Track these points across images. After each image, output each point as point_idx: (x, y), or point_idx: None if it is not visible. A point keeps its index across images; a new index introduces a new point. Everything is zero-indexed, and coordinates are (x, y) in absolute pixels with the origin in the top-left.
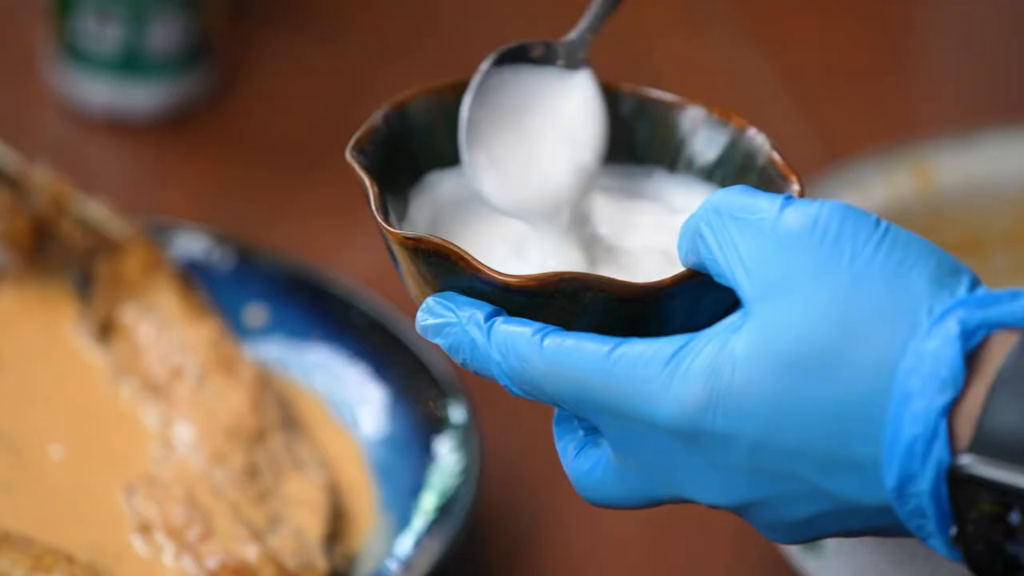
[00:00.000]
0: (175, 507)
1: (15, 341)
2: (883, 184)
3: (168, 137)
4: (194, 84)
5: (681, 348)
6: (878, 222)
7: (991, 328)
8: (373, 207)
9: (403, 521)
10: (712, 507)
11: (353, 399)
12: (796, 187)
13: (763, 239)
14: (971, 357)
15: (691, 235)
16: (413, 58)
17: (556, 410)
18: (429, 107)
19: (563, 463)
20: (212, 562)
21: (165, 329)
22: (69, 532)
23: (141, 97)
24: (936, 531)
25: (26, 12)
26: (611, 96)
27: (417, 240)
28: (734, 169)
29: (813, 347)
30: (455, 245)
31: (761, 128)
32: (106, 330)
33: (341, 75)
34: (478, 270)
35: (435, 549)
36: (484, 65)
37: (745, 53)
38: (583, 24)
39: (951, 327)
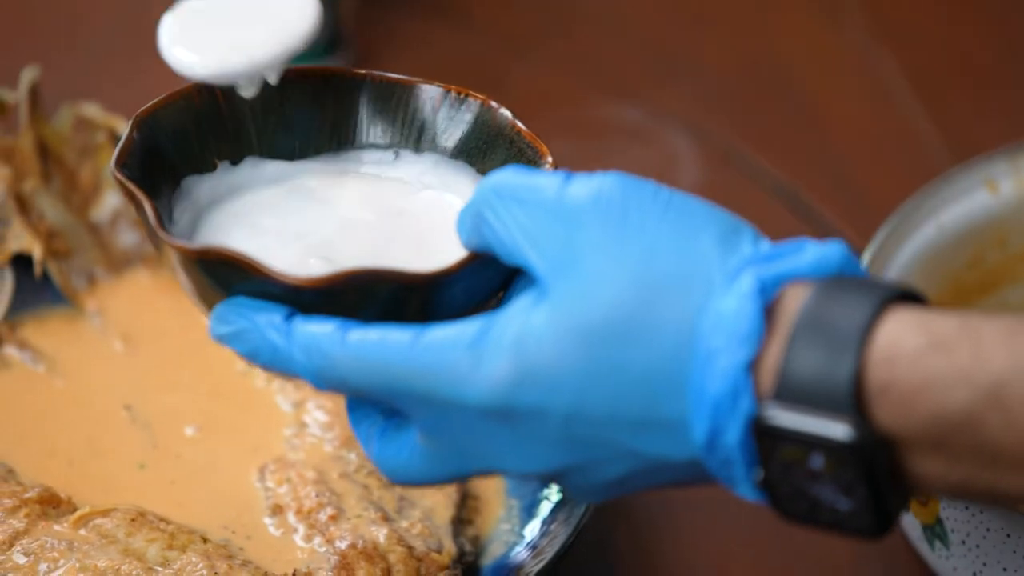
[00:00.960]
0: (307, 489)
1: (151, 323)
2: (1012, 184)
3: None
4: None
5: (483, 330)
6: (659, 189)
7: (783, 281)
8: (152, 222)
9: (530, 506)
10: (524, 476)
11: None
12: (549, 158)
13: (550, 216)
14: (768, 311)
15: (472, 219)
16: (541, 53)
17: (347, 396)
18: (178, 112)
19: (364, 449)
20: (342, 544)
21: None
22: (203, 512)
23: None
24: (744, 478)
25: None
26: (349, 83)
27: (204, 252)
28: (481, 144)
29: (613, 316)
30: (241, 253)
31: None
32: None
33: (471, 65)
34: (269, 275)
35: (562, 534)
36: None
37: (876, 50)
38: None
39: (745, 284)
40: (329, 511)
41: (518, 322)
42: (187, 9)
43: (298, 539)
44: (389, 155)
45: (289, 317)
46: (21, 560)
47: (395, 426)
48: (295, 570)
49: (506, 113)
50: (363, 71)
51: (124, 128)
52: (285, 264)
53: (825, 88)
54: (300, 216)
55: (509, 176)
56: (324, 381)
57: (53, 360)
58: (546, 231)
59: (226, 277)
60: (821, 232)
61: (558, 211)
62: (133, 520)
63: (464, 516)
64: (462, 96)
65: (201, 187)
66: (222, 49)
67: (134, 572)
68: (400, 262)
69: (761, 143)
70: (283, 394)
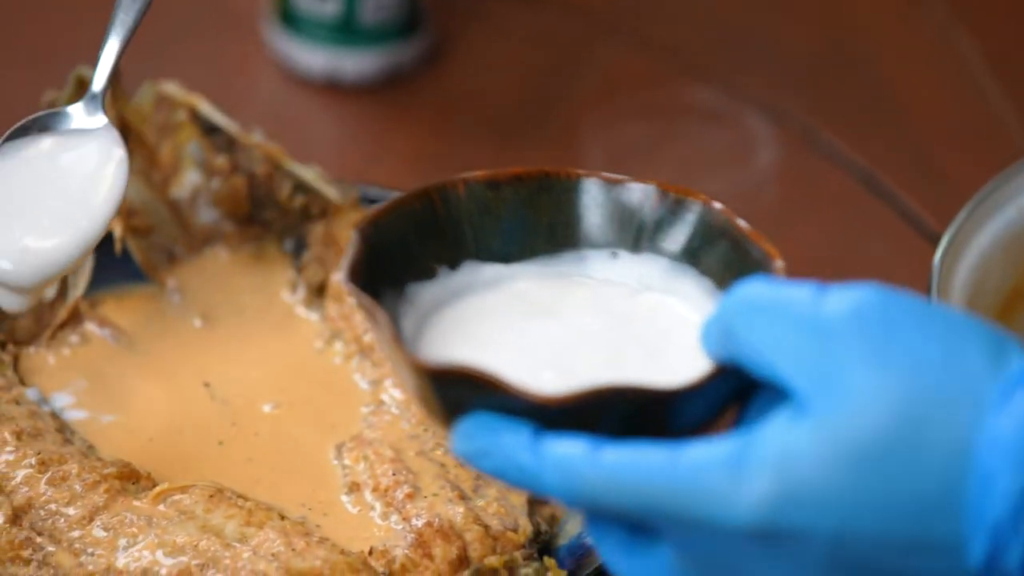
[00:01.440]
0: (384, 467)
1: (229, 301)
2: None
3: (381, 105)
4: (407, 52)
5: (741, 448)
6: (919, 302)
7: None
8: (390, 338)
9: None
10: None
11: None
12: (779, 262)
13: (807, 331)
14: None
15: (720, 332)
16: (620, 34)
17: (586, 512)
18: (397, 219)
19: (610, 564)
20: (419, 522)
21: None
22: (281, 489)
23: (355, 65)
24: None
25: None
26: (564, 184)
27: (446, 371)
28: (703, 244)
29: (882, 435)
30: (485, 371)
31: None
32: (319, 292)
33: (550, 46)
34: (514, 393)
35: None
36: None
37: (956, 32)
38: (98, 81)
39: (1021, 404)
40: (406, 489)
41: (779, 440)
42: None
43: (375, 517)
44: (606, 255)
45: (535, 436)
46: (101, 535)
47: (643, 543)
48: (371, 548)
49: (728, 213)
50: (579, 171)
51: (351, 240)
52: (516, 376)
53: (904, 70)
54: (525, 326)
55: (760, 289)
56: (576, 500)
57: (132, 337)
58: (804, 346)
59: (467, 393)
60: (899, 216)
61: (815, 325)
62: (211, 496)
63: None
64: (681, 195)
65: (423, 293)
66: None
67: (212, 548)
68: (634, 372)
69: (840, 125)
70: (361, 372)
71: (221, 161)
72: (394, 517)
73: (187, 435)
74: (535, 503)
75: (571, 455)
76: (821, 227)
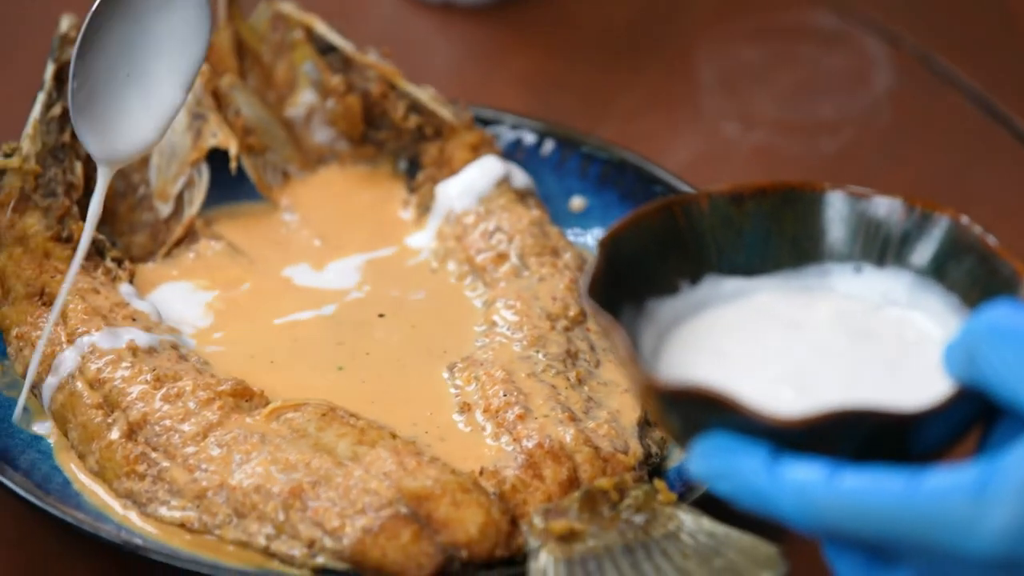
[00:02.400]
0: (495, 388)
1: (343, 220)
2: None
3: (494, 27)
4: None
5: (985, 477)
6: None
7: None
8: (627, 358)
9: None
10: None
11: None
12: None
13: None
14: None
15: (964, 354)
16: None
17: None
18: (639, 233)
19: None
20: (529, 443)
21: (490, 211)
22: (393, 409)
23: None
24: None
25: None
26: (808, 196)
27: (684, 392)
28: (949, 260)
29: None
30: (722, 393)
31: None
32: (432, 210)
33: None
34: (751, 415)
35: None
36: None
37: None
38: None
39: None
40: (517, 410)
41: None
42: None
43: (486, 438)
44: (850, 269)
45: (772, 459)
46: (215, 451)
47: (882, 566)
48: (482, 468)
49: (977, 229)
50: (824, 184)
51: (592, 255)
52: (755, 392)
53: None
54: (767, 341)
55: (1007, 313)
56: (814, 526)
57: (247, 255)
58: None
59: (704, 413)
60: (1015, 139)
61: None
62: (324, 415)
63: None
64: (928, 210)
65: (663, 309)
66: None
67: (324, 466)
68: (873, 392)
69: (957, 50)
70: (473, 291)
71: (336, 81)
72: (505, 438)
73: (306, 358)
74: (646, 425)
75: (809, 481)
76: (936, 151)
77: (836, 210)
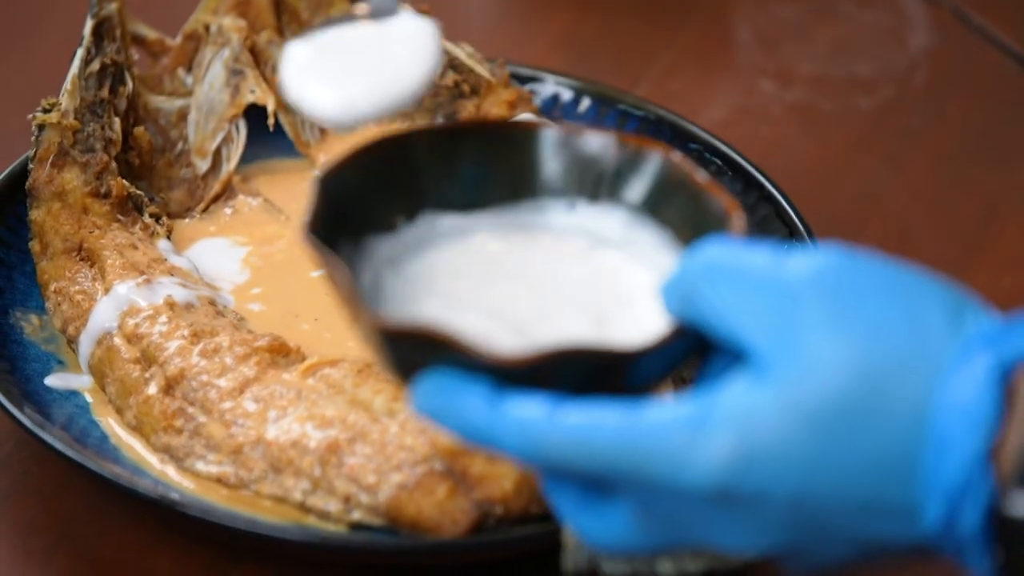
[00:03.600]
0: None
1: None
2: None
3: None
4: None
5: (701, 410)
6: (879, 265)
7: (1019, 361)
8: (349, 296)
9: None
10: (739, 554)
11: None
12: (738, 216)
13: (769, 295)
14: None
15: (681, 293)
16: None
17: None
18: (355, 169)
19: (565, 518)
20: None
21: None
22: None
23: None
24: (980, 563)
25: None
26: (522, 133)
27: (410, 330)
28: (661, 197)
29: (842, 399)
30: (447, 332)
31: None
32: None
33: None
34: (475, 354)
35: None
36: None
37: None
38: None
39: (981, 367)
40: None
41: (739, 403)
42: (311, 47)
43: None
44: (564, 205)
45: (494, 396)
46: (251, 407)
47: (600, 499)
48: None
49: (688, 166)
50: (537, 121)
51: (311, 190)
52: (475, 334)
53: None
54: (484, 284)
55: (721, 251)
56: (535, 461)
57: (284, 212)
58: (766, 310)
59: (426, 352)
60: None
61: (777, 289)
62: (360, 371)
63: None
64: (640, 146)
65: (380, 246)
66: (354, 92)
67: (360, 422)
68: (591, 331)
69: (993, 7)
70: None
71: None
72: None
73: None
74: (680, 382)
75: (531, 417)
76: (974, 108)
77: (550, 146)
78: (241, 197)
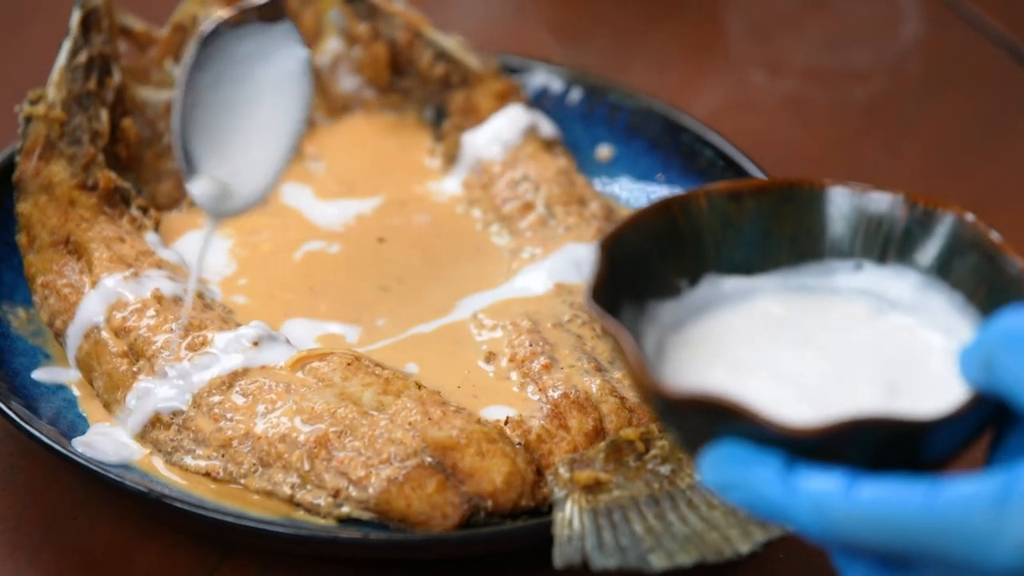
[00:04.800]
0: (521, 337)
1: (368, 167)
2: None
3: None
4: None
5: (1007, 487)
6: None
7: None
8: (636, 365)
9: None
10: None
11: None
12: None
13: None
14: None
15: (982, 360)
16: None
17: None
18: (639, 233)
19: None
20: (555, 393)
21: (516, 160)
22: (420, 358)
23: None
24: None
25: None
26: (808, 194)
27: (696, 399)
28: (954, 258)
29: None
30: (735, 401)
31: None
32: (458, 159)
33: None
34: (767, 425)
35: None
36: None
37: None
38: None
39: None
40: (542, 360)
41: None
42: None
43: (512, 387)
44: (851, 267)
45: (787, 469)
46: (240, 401)
47: (896, 574)
48: (507, 418)
49: (983, 226)
50: (824, 181)
51: (595, 256)
52: (764, 402)
53: None
54: (771, 349)
55: None
56: (829, 537)
57: (273, 203)
58: None
59: (716, 421)
60: None
61: None
62: (349, 364)
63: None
64: (931, 207)
65: (664, 310)
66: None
67: (349, 415)
68: (880, 402)
69: None
70: (499, 237)
71: (363, 28)
72: (531, 388)
73: (328, 302)
74: None
75: (826, 492)
76: (967, 98)
77: (836, 206)
78: None
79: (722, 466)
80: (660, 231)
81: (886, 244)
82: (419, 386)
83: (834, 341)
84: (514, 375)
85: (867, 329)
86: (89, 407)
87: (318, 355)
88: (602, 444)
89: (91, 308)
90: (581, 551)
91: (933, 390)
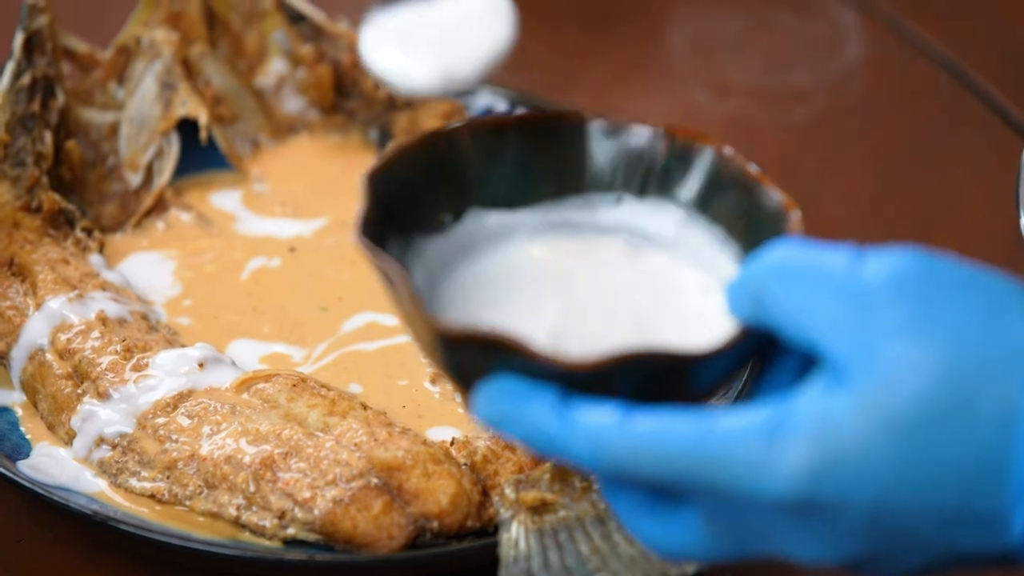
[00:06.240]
0: None
1: (313, 189)
2: None
3: None
4: None
5: (776, 418)
6: (957, 267)
7: None
8: (409, 300)
9: None
10: (814, 564)
11: None
12: (796, 213)
13: (845, 298)
14: None
15: (750, 295)
16: None
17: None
18: (403, 167)
19: (626, 524)
20: None
21: None
22: (365, 379)
23: None
24: None
25: None
26: (568, 127)
27: (474, 335)
28: (714, 193)
29: (924, 405)
30: (511, 336)
31: None
32: None
33: None
34: (541, 358)
35: None
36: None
37: None
38: None
39: None
40: None
41: (816, 409)
42: (386, 21)
43: (457, 407)
44: (612, 200)
45: (562, 403)
46: (184, 422)
47: (667, 506)
48: (453, 438)
49: (740, 159)
50: (583, 113)
51: (362, 191)
52: (539, 340)
53: None
54: (541, 291)
55: (793, 252)
56: (605, 469)
57: (217, 225)
58: (842, 314)
59: (491, 358)
60: (987, 107)
61: (853, 292)
62: (294, 386)
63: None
64: (690, 140)
65: (430, 246)
66: (435, 61)
67: (295, 437)
68: (652, 336)
69: (928, 18)
70: None
71: (307, 50)
72: None
73: (272, 324)
74: None
75: (601, 424)
76: (909, 118)
77: (597, 140)
78: (173, 211)
79: (498, 401)
80: (425, 165)
81: (646, 178)
82: (364, 407)
83: (593, 282)
84: (459, 396)
85: (623, 269)
86: (32, 429)
87: (263, 376)
88: (548, 465)
89: (36, 330)
90: (527, 572)
91: (687, 327)
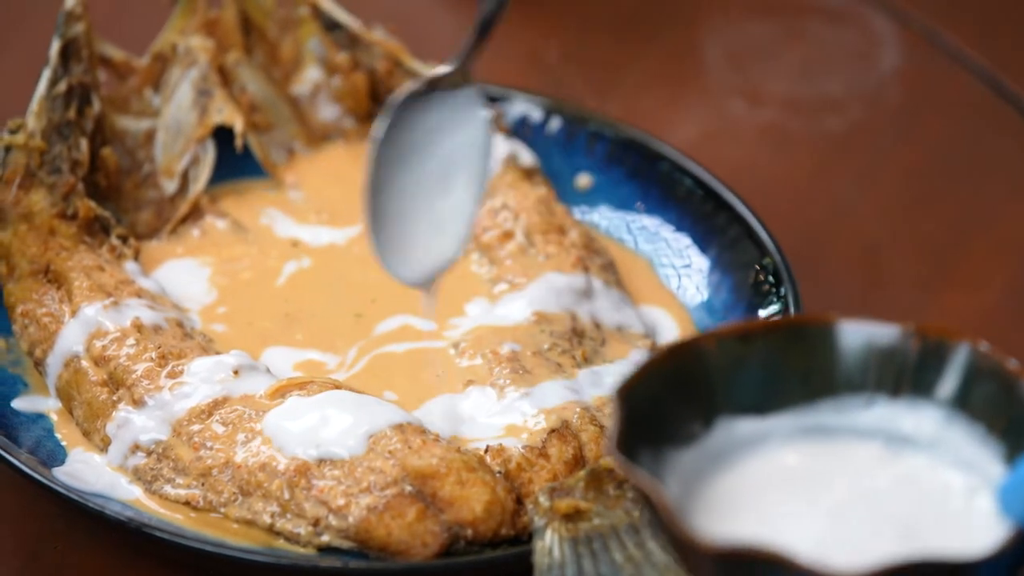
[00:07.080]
0: (501, 366)
1: (348, 197)
2: None
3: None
4: None
5: None
6: None
7: None
8: (671, 517)
9: None
10: None
11: (678, 265)
12: None
13: None
14: None
15: None
16: None
17: None
18: (651, 381)
19: None
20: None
21: (496, 189)
22: (399, 386)
23: None
24: None
25: None
26: (814, 330)
27: (739, 552)
28: (970, 389)
29: None
30: (779, 551)
31: None
32: None
33: None
34: (815, 573)
35: None
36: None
37: None
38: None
39: None
40: (522, 388)
41: None
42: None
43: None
44: (863, 400)
45: None
46: (220, 430)
47: None
48: (487, 446)
49: (999, 356)
50: (831, 316)
51: (615, 406)
52: (802, 552)
53: None
54: (794, 502)
55: None
56: None
57: (252, 232)
58: None
59: (757, 572)
60: (1022, 116)
61: None
62: None
63: None
64: (943, 338)
65: (683, 458)
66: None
67: None
68: (895, 545)
69: (964, 27)
70: (479, 266)
71: (342, 58)
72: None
73: (308, 332)
74: None
75: None
76: (944, 129)
77: (846, 341)
78: (208, 218)
79: None
80: (672, 377)
81: (899, 377)
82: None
83: (852, 488)
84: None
85: (882, 474)
86: (68, 435)
87: (298, 384)
88: (582, 472)
89: (71, 337)
90: None
91: (953, 530)
